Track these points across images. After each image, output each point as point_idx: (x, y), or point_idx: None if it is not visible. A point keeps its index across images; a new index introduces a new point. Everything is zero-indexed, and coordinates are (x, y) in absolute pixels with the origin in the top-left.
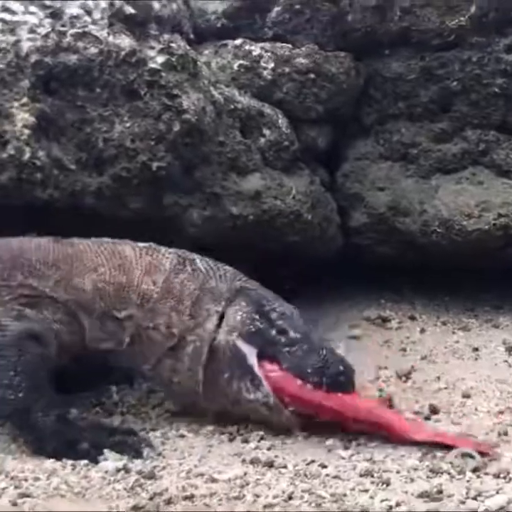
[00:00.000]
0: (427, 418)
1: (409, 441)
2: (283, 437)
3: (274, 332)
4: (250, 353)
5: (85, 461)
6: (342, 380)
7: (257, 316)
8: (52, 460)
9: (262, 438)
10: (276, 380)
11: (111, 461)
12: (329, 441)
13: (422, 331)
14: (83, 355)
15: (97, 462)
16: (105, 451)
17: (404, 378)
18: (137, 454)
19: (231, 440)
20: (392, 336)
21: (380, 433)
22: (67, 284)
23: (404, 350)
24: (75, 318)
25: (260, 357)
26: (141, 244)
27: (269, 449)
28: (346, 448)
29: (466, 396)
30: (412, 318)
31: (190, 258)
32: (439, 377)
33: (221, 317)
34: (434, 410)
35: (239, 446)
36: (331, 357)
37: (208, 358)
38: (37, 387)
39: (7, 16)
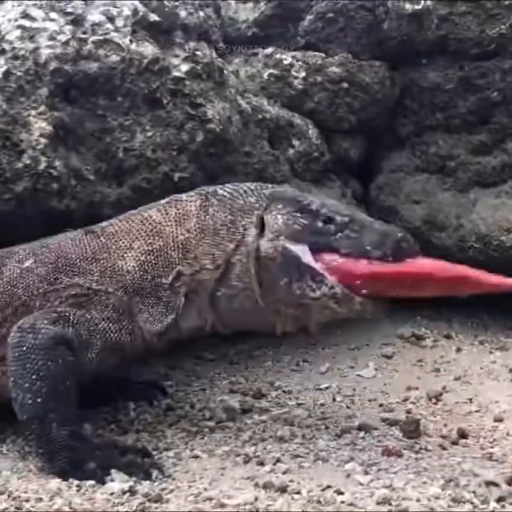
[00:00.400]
0: (455, 443)
1: (489, 286)
2: (300, 460)
3: (320, 223)
4: (303, 251)
5: (92, 482)
6: (405, 245)
7: (298, 214)
8: (58, 480)
9: (278, 460)
10: (341, 267)
11: (117, 482)
12: (349, 465)
13: (458, 350)
14: (138, 355)
15: (103, 483)
16: (113, 471)
17: (434, 400)
18: (146, 476)
19: (246, 462)
20: (426, 355)
21: (459, 291)
22: (112, 271)
23: (437, 370)
24: (125, 311)
25: (315, 251)
26: (163, 201)
27: (284, 472)
28: (366, 473)
29: (499, 420)
30: (448, 336)
31: (211, 191)
32: (471, 400)
33: (261, 227)
34: (462, 434)
35: (253, 468)
36: (385, 228)
37: (260, 270)
38: (57, 397)
39: (27, 23)
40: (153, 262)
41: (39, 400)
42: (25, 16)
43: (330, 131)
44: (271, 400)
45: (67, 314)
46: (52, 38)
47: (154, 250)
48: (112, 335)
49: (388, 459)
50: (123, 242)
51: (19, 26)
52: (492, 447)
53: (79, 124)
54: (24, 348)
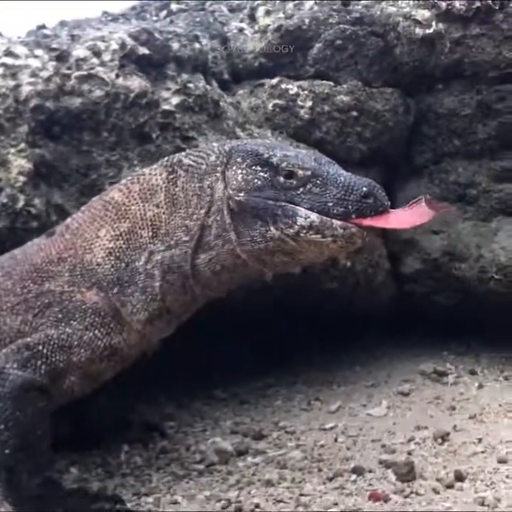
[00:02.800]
0: (450, 486)
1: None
2: (281, 506)
3: (281, 178)
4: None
5: None
6: (370, 201)
7: (258, 167)
8: None
9: (257, 506)
10: None
11: None
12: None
13: (480, 386)
14: (142, 351)
15: None
16: None
17: (440, 440)
18: None
19: (224, 508)
20: (445, 392)
21: None
22: (82, 268)
23: (453, 408)
24: (107, 311)
25: None
26: (124, 180)
27: None
28: None
29: (502, 461)
30: (473, 372)
31: (176, 161)
32: (480, 440)
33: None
34: (459, 477)
35: None
36: (350, 181)
37: (234, 220)
38: (26, 447)
39: (9, 61)
40: (124, 246)
41: (7, 451)
42: (9, 53)
43: (340, 161)
44: (270, 442)
45: (40, 348)
46: (34, 74)
47: (122, 234)
48: (100, 343)
49: (373, 505)
50: (88, 234)
51: (2, 64)
52: (487, 491)
53: (62, 161)
54: None
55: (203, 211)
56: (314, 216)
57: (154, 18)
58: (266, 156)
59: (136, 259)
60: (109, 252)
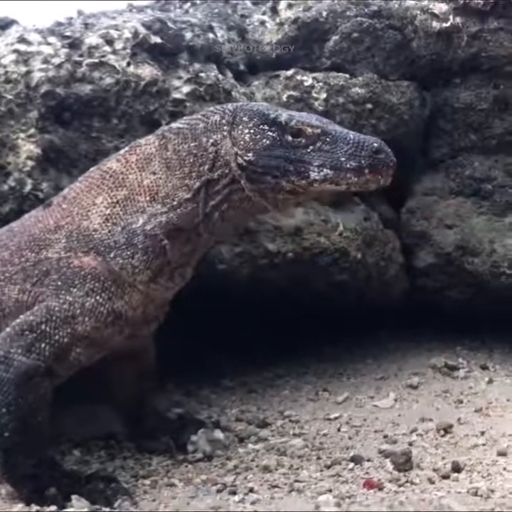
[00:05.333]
0: (445, 477)
1: None
2: (275, 491)
3: (289, 137)
4: None
5: (53, 508)
6: (381, 156)
7: (265, 127)
8: (21, 505)
9: (251, 490)
10: None
11: (76, 508)
12: (323, 497)
13: (490, 381)
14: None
15: (63, 508)
16: (73, 498)
17: (442, 432)
18: (107, 503)
19: (219, 491)
20: (454, 386)
21: None
22: (78, 234)
23: (460, 401)
24: (106, 275)
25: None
26: (122, 151)
27: (253, 503)
28: (338, 505)
29: (502, 454)
30: (484, 367)
31: (166, 128)
32: (483, 433)
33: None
34: (456, 468)
35: (223, 498)
36: (360, 138)
37: (242, 172)
38: (26, 431)
39: (22, 47)
40: (121, 212)
41: (6, 434)
42: (22, 40)
43: None
44: (274, 429)
45: (43, 327)
46: (45, 61)
47: (120, 201)
48: (103, 308)
49: (366, 492)
50: (85, 202)
51: (15, 50)
52: (481, 482)
53: (72, 146)
54: None
55: (204, 168)
56: (327, 169)
57: (178, 11)
58: (272, 115)
59: (132, 222)
60: (105, 218)
